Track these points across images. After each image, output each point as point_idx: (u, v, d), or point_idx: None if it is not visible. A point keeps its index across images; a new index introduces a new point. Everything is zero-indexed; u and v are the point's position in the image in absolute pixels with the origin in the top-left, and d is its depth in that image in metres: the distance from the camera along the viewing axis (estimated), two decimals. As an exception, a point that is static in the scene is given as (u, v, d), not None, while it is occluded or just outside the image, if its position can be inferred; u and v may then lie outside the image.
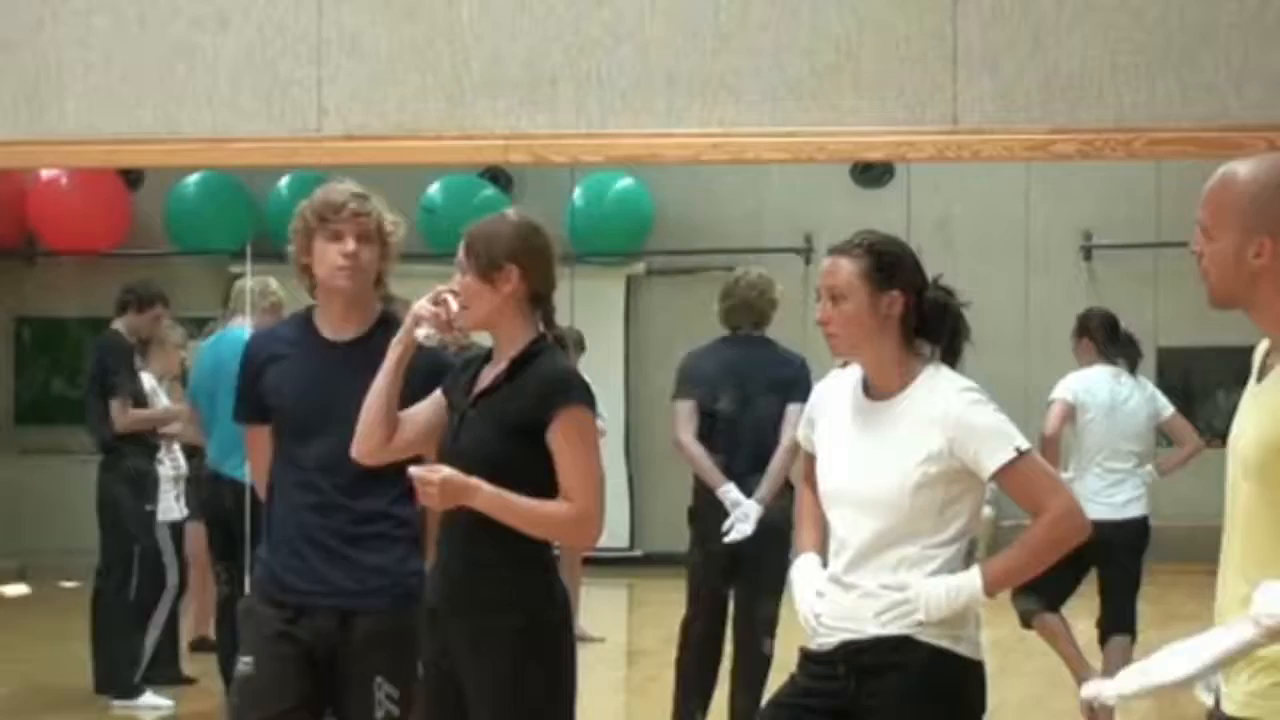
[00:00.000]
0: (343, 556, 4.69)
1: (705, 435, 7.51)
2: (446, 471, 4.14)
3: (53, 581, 13.09)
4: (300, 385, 4.76)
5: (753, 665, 7.52)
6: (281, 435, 4.81)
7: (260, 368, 4.87)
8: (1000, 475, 3.99)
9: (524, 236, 4.34)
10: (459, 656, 4.25)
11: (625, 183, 14.69)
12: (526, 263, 4.28)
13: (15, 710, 9.28)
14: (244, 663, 4.76)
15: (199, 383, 8.70)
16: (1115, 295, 11.32)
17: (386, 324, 4.79)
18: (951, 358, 4.17)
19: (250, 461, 5.07)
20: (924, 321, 4.14)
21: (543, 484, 4.20)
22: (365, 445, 4.42)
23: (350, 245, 4.72)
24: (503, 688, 4.20)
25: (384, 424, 4.38)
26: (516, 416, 4.20)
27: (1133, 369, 8.44)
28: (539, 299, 4.33)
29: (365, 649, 4.65)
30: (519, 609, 4.22)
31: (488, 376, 4.35)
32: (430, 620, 4.39)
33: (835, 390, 4.25)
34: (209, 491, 8.58)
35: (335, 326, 4.81)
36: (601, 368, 13.49)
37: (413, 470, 4.18)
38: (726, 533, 7.32)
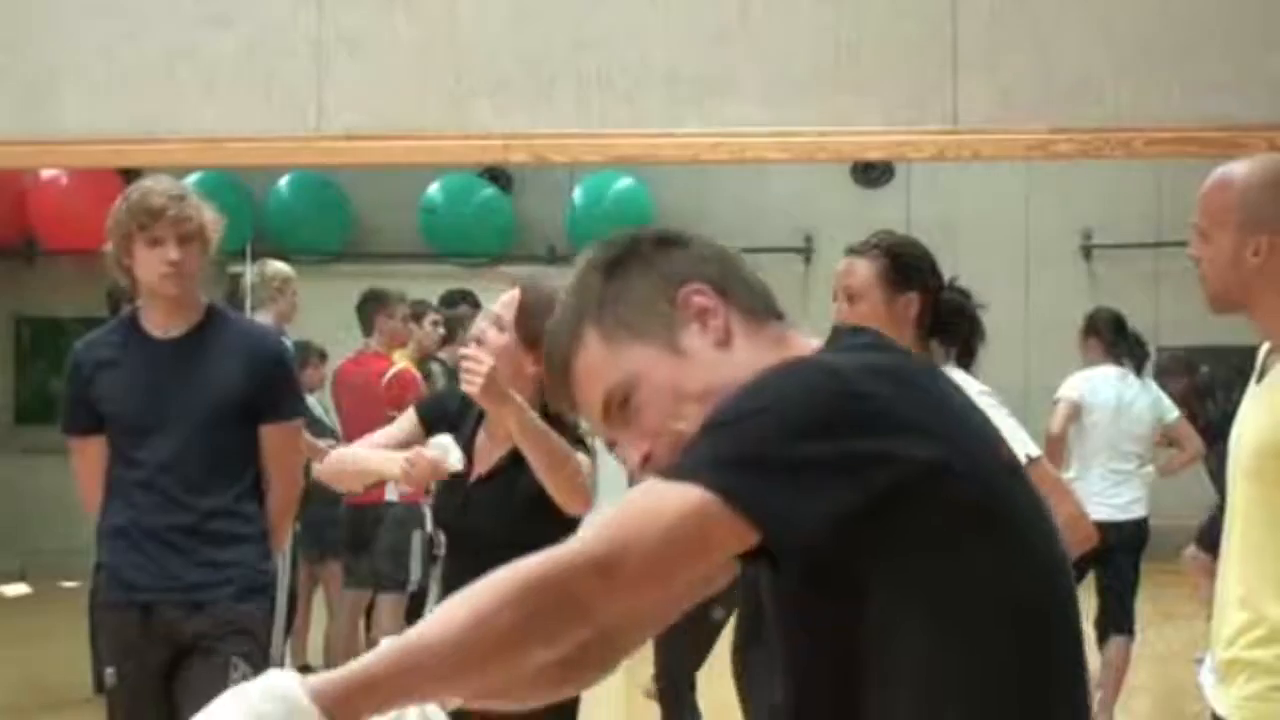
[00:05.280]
0: (189, 552, 4.66)
1: None
2: (493, 364, 4.05)
3: (53, 581, 13.09)
4: (134, 387, 4.73)
5: (698, 627, 7.58)
6: (118, 439, 4.76)
7: (90, 376, 4.80)
8: None
9: None
10: None
11: (625, 182, 14.70)
12: None
13: (15, 710, 9.28)
14: (109, 674, 4.79)
15: None
16: (1115, 295, 11.32)
17: (213, 318, 4.79)
18: (966, 360, 4.18)
19: (79, 474, 4.94)
20: (939, 323, 4.14)
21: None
22: None
23: (173, 253, 4.67)
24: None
25: None
26: (528, 490, 4.16)
27: (1139, 370, 8.45)
28: None
29: (218, 636, 4.63)
30: None
31: (486, 454, 4.30)
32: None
33: None
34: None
35: (162, 325, 4.77)
36: (601, 368, 13.49)
37: (464, 352, 4.12)
38: None
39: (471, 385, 4.03)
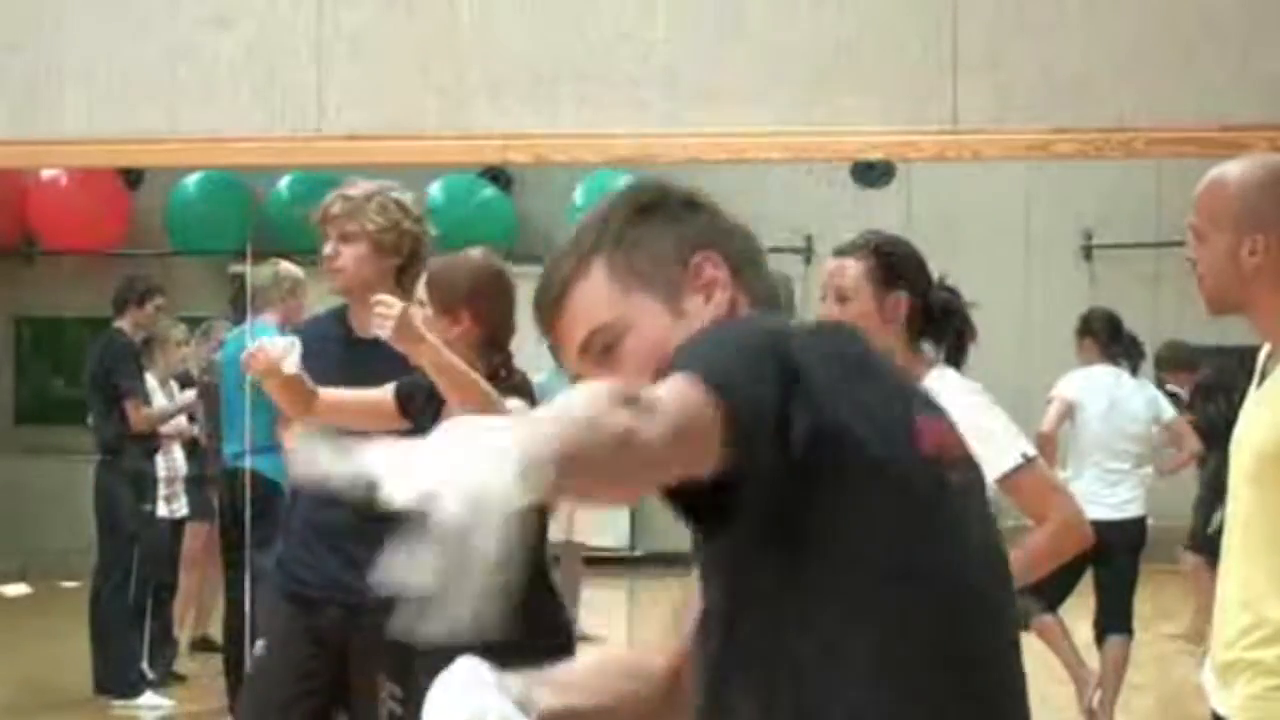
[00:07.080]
0: (347, 552, 4.70)
1: None
2: (403, 308, 4.15)
3: (53, 581, 13.09)
4: (322, 379, 4.81)
5: None
6: None
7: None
8: (1005, 481, 3.95)
9: (479, 281, 4.38)
10: None
11: (625, 182, 14.68)
12: (480, 307, 4.31)
13: (15, 710, 9.28)
14: (259, 645, 4.95)
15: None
16: (1115, 295, 11.32)
17: None
18: (957, 359, 4.16)
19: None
20: (929, 323, 4.13)
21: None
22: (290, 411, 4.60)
23: (329, 249, 4.85)
24: None
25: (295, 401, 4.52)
26: None
27: (1134, 371, 8.47)
28: (494, 343, 4.36)
29: (369, 647, 4.67)
30: (531, 643, 4.19)
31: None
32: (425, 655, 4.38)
33: None
34: (227, 489, 8.49)
35: (361, 323, 4.88)
36: (601, 368, 13.49)
37: (375, 298, 4.22)
38: None
39: (384, 329, 4.14)
